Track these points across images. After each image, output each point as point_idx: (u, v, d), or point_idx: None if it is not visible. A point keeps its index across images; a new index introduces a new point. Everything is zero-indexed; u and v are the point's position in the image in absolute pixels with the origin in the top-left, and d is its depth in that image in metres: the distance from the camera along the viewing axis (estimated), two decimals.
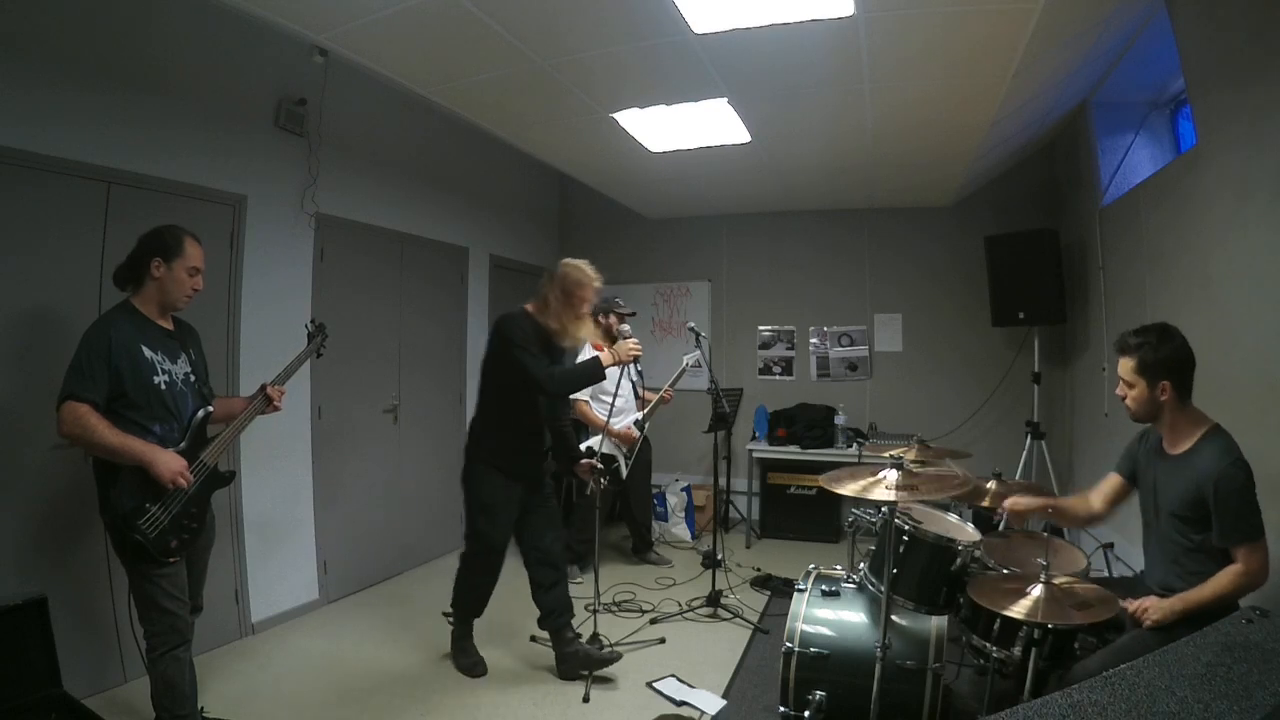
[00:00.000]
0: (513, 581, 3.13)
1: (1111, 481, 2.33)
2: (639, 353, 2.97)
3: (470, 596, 3.09)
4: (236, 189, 3.32)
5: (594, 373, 2.90)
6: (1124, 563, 3.18)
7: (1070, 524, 2.30)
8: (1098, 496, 2.35)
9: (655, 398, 4.46)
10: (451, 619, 3.18)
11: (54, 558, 2.60)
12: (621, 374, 4.37)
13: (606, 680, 3.01)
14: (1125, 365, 2.08)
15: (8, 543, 2.48)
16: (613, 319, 4.43)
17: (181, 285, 2.24)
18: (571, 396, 4.37)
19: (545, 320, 2.92)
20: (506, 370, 2.87)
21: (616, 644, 3.30)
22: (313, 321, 2.82)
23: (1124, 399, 2.11)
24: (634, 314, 4.56)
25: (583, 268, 2.97)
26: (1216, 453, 1.91)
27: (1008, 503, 2.37)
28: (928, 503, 2.64)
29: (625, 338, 3.02)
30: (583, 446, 4.34)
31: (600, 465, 3.26)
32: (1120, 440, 3.67)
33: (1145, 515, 2.19)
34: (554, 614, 3.05)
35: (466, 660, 3.10)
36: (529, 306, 2.98)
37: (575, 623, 3.10)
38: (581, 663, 3.01)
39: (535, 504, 3.04)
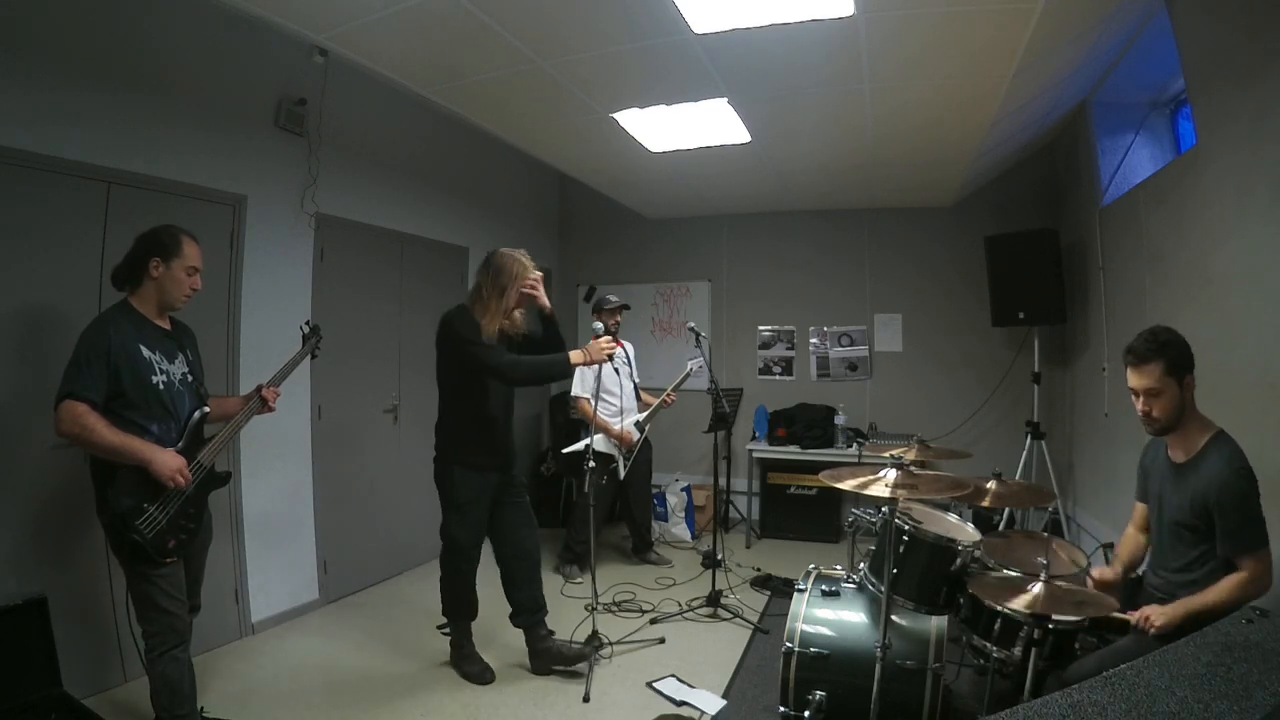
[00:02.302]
0: None
1: (1140, 510, 2.31)
2: (612, 350, 2.86)
3: (454, 599, 3.04)
4: (236, 189, 3.32)
5: (560, 367, 2.82)
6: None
7: (1139, 563, 2.30)
8: (1138, 530, 2.32)
9: (656, 401, 4.46)
10: (446, 630, 3.14)
11: (54, 558, 2.60)
12: (620, 374, 4.42)
13: (606, 680, 3.01)
14: (1151, 373, 1.93)
15: (7, 543, 2.48)
16: (604, 315, 4.43)
17: (180, 285, 2.24)
18: (573, 394, 4.38)
19: (477, 315, 2.82)
20: (458, 367, 2.83)
21: (616, 644, 3.31)
22: (307, 323, 2.83)
23: (1149, 412, 1.98)
24: (626, 307, 4.53)
25: (518, 258, 2.86)
26: (1221, 460, 1.89)
27: (1096, 573, 2.26)
28: (928, 503, 2.64)
29: (597, 336, 2.90)
30: (581, 445, 4.35)
31: (594, 464, 3.20)
32: (1120, 441, 3.72)
33: (1152, 524, 2.19)
34: (526, 611, 3.05)
35: (472, 667, 3.04)
36: (466, 303, 2.90)
37: (574, 622, 3.08)
38: (554, 659, 3.05)
39: (508, 499, 3.02)
